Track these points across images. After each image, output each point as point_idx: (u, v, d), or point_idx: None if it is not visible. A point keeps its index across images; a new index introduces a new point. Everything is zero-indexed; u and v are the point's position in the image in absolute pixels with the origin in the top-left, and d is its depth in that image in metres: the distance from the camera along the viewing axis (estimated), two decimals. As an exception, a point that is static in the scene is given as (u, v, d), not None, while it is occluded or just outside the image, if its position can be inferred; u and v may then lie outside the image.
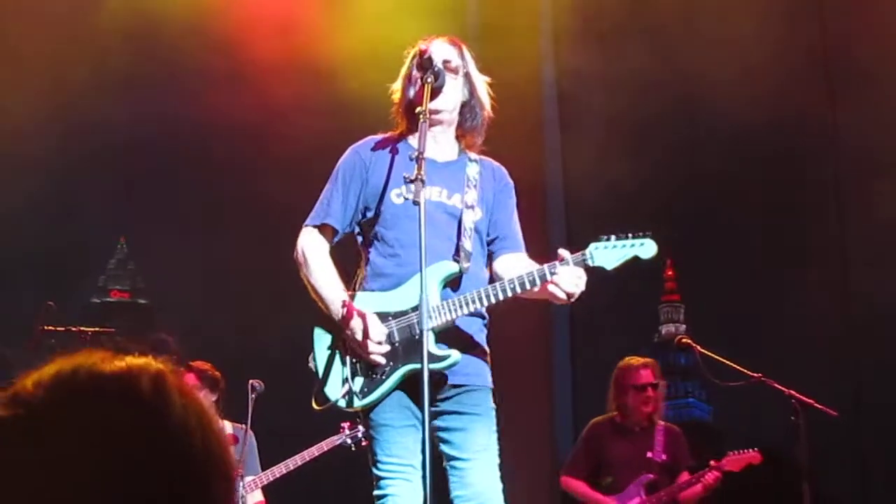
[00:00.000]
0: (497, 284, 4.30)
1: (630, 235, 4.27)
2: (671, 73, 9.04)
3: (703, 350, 7.12)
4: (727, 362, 7.03)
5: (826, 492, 8.13)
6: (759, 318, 9.29)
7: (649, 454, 7.20)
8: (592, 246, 4.25)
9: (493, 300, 4.28)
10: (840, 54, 9.23)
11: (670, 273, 10.03)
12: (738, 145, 9.40)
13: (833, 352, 9.20)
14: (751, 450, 7.00)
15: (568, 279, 4.17)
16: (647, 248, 4.29)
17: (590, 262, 4.23)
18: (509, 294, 4.26)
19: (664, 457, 7.22)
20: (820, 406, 6.75)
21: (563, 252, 4.23)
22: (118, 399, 1.34)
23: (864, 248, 9.12)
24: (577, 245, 4.28)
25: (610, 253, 4.25)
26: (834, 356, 9.19)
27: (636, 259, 4.27)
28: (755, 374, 6.88)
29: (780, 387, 6.81)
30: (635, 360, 7.45)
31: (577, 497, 7.39)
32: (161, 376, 1.38)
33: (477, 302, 4.26)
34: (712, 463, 7.07)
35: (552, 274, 4.19)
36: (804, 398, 6.74)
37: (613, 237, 4.26)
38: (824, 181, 9.49)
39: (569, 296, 4.20)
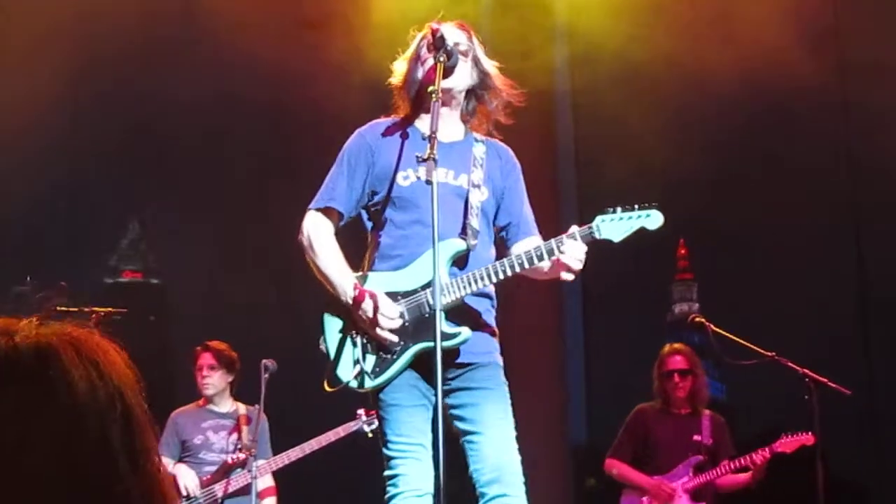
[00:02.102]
0: (504, 260, 4.31)
1: (636, 207, 4.29)
2: (683, 53, 9.00)
3: (716, 329, 7.11)
4: (740, 341, 7.02)
5: (839, 471, 8.12)
6: (773, 297, 9.26)
7: (696, 437, 7.30)
8: (599, 218, 4.28)
9: (500, 276, 4.28)
10: (852, 33, 9.18)
11: (683, 252, 10.00)
12: (751, 125, 9.37)
13: (847, 330, 9.18)
14: (803, 432, 6.98)
15: (572, 254, 4.18)
16: (653, 219, 4.30)
17: (596, 235, 4.25)
18: (517, 269, 4.27)
19: (710, 441, 7.31)
20: (833, 385, 6.74)
21: (573, 227, 4.25)
22: None
23: (879, 227, 9.08)
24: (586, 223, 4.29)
25: (616, 225, 4.26)
26: (848, 334, 9.17)
27: (643, 230, 4.28)
28: (768, 353, 6.87)
29: (793, 365, 6.81)
30: (666, 348, 7.64)
31: (621, 479, 7.45)
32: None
33: (486, 278, 4.26)
34: (765, 448, 7.10)
35: (559, 248, 4.20)
36: (818, 377, 6.73)
37: (619, 209, 4.29)
38: (838, 158, 9.45)
39: (571, 271, 4.22)
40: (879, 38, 8.79)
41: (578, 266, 4.21)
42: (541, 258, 4.25)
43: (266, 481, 7.38)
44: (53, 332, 1.38)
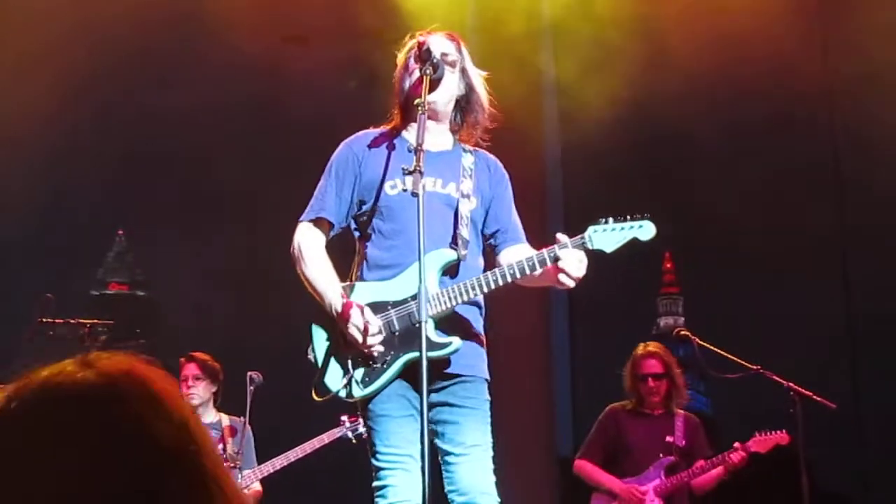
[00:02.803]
0: (496, 270, 4.32)
1: (628, 218, 4.30)
2: (669, 64, 9.03)
3: (701, 342, 7.11)
4: (725, 354, 7.02)
5: (824, 484, 8.14)
6: (758, 311, 9.28)
7: (669, 438, 7.14)
8: (591, 229, 4.28)
9: (492, 286, 4.29)
10: (839, 42, 9.22)
11: (669, 265, 10.02)
12: (737, 138, 9.39)
13: (832, 343, 9.20)
14: (778, 431, 6.89)
15: (573, 263, 4.19)
16: (645, 230, 4.31)
17: (589, 246, 4.25)
18: (508, 280, 4.28)
19: (683, 442, 7.16)
20: (818, 398, 6.75)
21: (561, 236, 4.26)
22: (67, 408, 1.32)
23: (864, 241, 9.11)
24: (574, 234, 4.30)
25: (609, 236, 4.27)
26: (833, 348, 9.19)
27: (635, 241, 4.29)
28: (754, 366, 6.88)
29: (778, 379, 6.81)
30: (640, 349, 7.41)
31: (590, 482, 7.29)
32: (111, 378, 1.36)
33: (476, 289, 4.27)
34: (737, 444, 6.96)
35: (552, 258, 4.22)
36: (802, 390, 6.74)
37: (612, 220, 4.30)
38: (824, 173, 9.48)
39: (575, 280, 4.22)
40: (868, 53, 8.83)
41: (580, 273, 4.22)
42: (533, 269, 4.26)
43: (253, 487, 7.37)
44: (123, 358, 1.39)
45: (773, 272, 9.25)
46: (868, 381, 9.08)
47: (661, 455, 7.13)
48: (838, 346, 9.24)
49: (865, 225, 9.08)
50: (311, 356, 4.41)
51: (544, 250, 4.27)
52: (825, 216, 9.28)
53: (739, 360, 6.97)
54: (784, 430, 6.88)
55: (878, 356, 8.95)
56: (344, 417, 7.16)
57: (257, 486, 7.40)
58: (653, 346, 7.45)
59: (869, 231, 9.04)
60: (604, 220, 4.30)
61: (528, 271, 4.26)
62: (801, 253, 9.06)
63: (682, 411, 7.31)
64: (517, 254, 4.46)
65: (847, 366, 9.18)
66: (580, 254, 4.23)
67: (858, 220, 9.18)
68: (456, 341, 4.25)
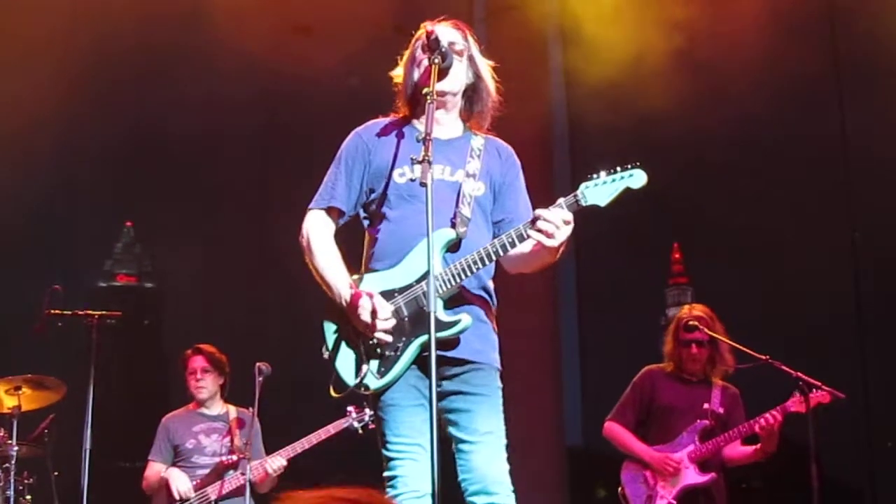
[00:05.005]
0: (495, 240, 4.28)
1: (618, 169, 4.25)
2: (681, 61, 9.02)
3: (710, 332, 7.07)
4: (734, 344, 6.99)
5: (834, 474, 8.13)
6: (767, 301, 9.27)
7: (706, 405, 6.93)
8: (583, 185, 4.23)
9: (493, 257, 4.26)
10: (849, 50, 9.20)
11: (677, 256, 9.99)
12: (747, 131, 9.37)
13: (841, 333, 9.19)
14: (819, 390, 6.57)
15: (550, 221, 4.11)
16: (636, 178, 4.24)
17: (582, 202, 4.20)
18: (508, 248, 4.23)
19: (721, 410, 6.94)
20: (827, 388, 6.70)
21: (559, 200, 4.21)
22: None
23: (874, 231, 9.10)
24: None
25: (601, 189, 4.22)
26: (842, 338, 9.18)
27: (628, 190, 4.23)
28: (762, 356, 6.82)
29: (787, 369, 6.76)
30: (684, 313, 7.17)
31: (621, 447, 7.07)
32: None
33: (479, 262, 4.24)
34: (776, 410, 6.66)
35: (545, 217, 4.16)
36: (811, 380, 6.69)
37: (603, 173, 4.23)
38: (834, 166, 9.46)
39: (547, 235, 4.13)
40: (876, 39, 8.81)
41: (555, 231, 4.12)
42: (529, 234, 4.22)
43: (279, 461, 7.25)
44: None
45: (783, 263, 9.24)
46: (877, 370, 9.07)
47: (696, 420, 6.90)
48: (848, 336, 9.23)
49: (875, 211, 9.07)
50: (325, 353, 4.40)
51: (536, 210, 4.21)
52: (835, 204, 9.27)
53: (748, 350, 6.92)
54: (829, 389, 6.56)
55: (889, 347, 8.94)
56: (350, 408, 7.14)
57: (282, 462, 7.26)
58: (699, 310, 7.14)
59: (878, 217, 9.03)
60: (594, 174, 4.25)
61: (525, 236, 4.20)
62: (810, 243, 9.05)
63: (720, 381, 7.06)
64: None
65: (857, 356, 9.17)
66: (565, 215, 4.14)
67: (867, 207, 9.17)
68: (465, 318, 4.23)
